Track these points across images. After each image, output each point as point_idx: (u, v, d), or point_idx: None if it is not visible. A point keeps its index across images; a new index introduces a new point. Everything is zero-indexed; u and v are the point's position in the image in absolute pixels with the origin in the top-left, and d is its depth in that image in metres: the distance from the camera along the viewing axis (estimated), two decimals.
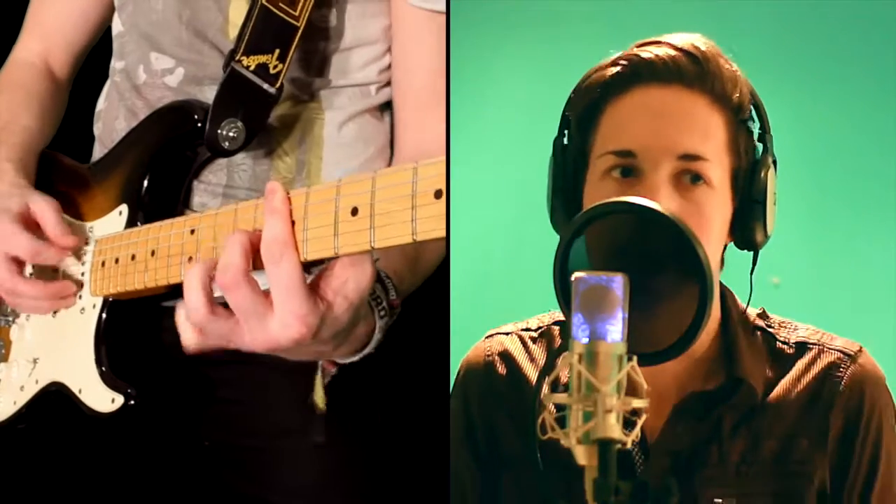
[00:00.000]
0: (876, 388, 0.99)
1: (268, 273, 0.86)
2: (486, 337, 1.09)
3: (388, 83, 1.26)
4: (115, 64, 1.31)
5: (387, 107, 1.28)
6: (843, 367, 0.99)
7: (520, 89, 1.86)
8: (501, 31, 1.86)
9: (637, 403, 0.75)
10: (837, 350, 1.00)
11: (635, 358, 0.76)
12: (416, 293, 1.11)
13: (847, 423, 0.97)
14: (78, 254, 1.20)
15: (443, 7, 1.15)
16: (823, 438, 0.97)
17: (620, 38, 1.75)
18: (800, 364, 0.99)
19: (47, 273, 1.20)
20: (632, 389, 0.76)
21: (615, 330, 0.75)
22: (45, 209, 1.15)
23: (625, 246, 0.86)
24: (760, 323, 1.02)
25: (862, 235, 1.70)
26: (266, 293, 0.87)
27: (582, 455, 0.74)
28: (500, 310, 1.68)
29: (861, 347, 1.00)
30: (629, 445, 0.74)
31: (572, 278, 0.76)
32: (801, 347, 1.00)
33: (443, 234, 0.78)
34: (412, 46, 1.19)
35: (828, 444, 0.97)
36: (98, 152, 1.32)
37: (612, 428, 0.73)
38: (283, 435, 1.21)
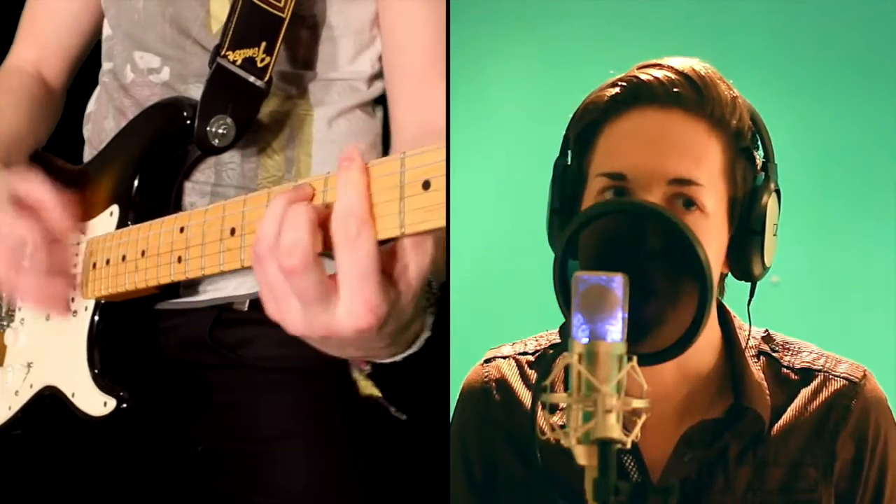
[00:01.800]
0: (881, 414, 0.98)
1: (339, 253, 0.76)
2: (485, 361, 1.08)
3: (380, 75, 1.24)
4: (104, 66, 1.30)
5: (378, 102, 1.26)
6: (849, 395, 0.97)
7: (520, 89, 1.86)
8: (501, 31, 1.86)
9: (637, 403, 0.74)
10: (842, 377, 0.98)
11: (635, 358, 0.76)
12: None
13: (855, 451, 0.96)
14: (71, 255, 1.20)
15: None
16: (830, 466, 0.96)
17: (620, 37, 1.75)
18: (805, 391, 0.98)
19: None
20: (632, 389, 0.76)
21: (615, 330, 0.74)
22: (34, 187, 1.09)
23: (624, 245, 0.86)
24: (765, 347, 1.00)
25: (862, 234, 1.70)
26: (331, 276, 0.78)
27: (582, 455, 0.74)
28: (501, 314, 1.69)
29: (865, 372, 0.99)
30: (628, 445, 0.74)
31: (572, 278, 0.76)
32: (806, 374, 0.99)
33: (431, 226, 0.75)
34: (401, 24, 1.17)
35: (834, 472, 0.96)
36: (88, 154, 1.31)
37: (612, 428, 0.73)
38: (278, 439, 1.20)
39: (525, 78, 1.87)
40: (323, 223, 0.79)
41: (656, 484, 0.94)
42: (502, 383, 1.05)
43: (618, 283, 0.75)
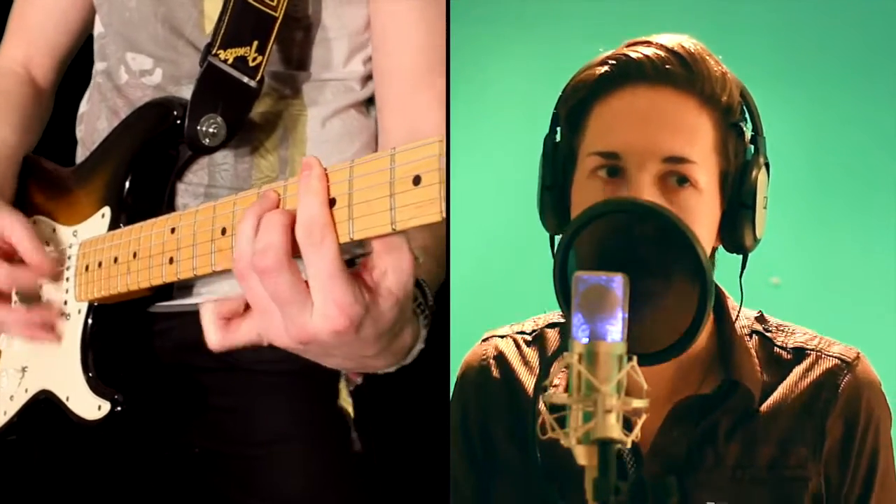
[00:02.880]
0: (873, 395, 0.98)
1: (306, 258, 0.78)
2: (483, 340, 1.09)
3: (367, 77, 1.23)
4: (97, 66, 1.29)
5: (372, 101, 1.24)
6: (841, 375, 0.98)
7: (520, 89, 1.86)
8: (501, 31, 1.86)
9: (637, 403, 0.74)
10: (835, 357, 0.99)
11: (635, 358, 0.76)
12: None
13: (844, 430, 0.96)
14: (62, 260, 1.19)
15: None
16: (820, 445, 0.96)
17: (621, 37, 1.75)
18: (797, 370, 0.98)
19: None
20: (632, 389, 0.76)
21: (615, 330, 0.74)
22: (15, 229, 1.12)
23: (624, 245, 0.86)
24: (758, 327, 1.01)
25: (862, 234, 1.69)
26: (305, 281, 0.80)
27: (582, 455, 0.74)
28: (500, 308, 1.69)
29: (858, 353, 0.99)
30: (628, 445, 0.74)
31: (572, 278, 0.76)
32: (799, 353, 0.99)
33: (423, 221, 0.75)
34: (392, 27, 1.14)
35: (824, 451, 0.96)
36: (80, 155, 1.30)
37: (612, 428, 0.73)
38: (274, 442, 1.19)
39: (525, 78, 1.86)
40: (290, 229, 0.80)
41: (653, 463, 0.94)
42: (500, 359, 1.06)
43: (618, 283, 0.75)
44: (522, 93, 1.86)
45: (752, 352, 0.99)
